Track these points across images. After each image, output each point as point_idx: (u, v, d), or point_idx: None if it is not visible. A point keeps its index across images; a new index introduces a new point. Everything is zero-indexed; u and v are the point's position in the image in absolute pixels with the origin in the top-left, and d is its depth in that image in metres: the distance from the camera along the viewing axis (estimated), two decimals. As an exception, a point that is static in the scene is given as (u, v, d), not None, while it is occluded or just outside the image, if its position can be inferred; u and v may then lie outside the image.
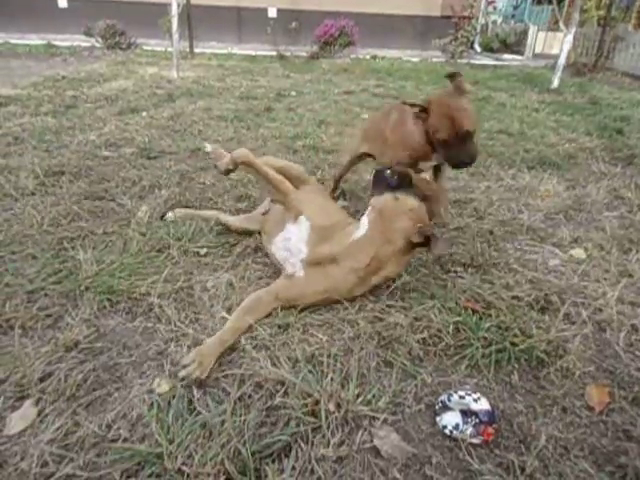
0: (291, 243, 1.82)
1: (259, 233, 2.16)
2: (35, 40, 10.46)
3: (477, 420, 1.25)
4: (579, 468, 1.18)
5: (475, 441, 1.23)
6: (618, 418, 1.33)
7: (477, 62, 10.54)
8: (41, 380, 1.37)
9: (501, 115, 5.04)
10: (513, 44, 13.44)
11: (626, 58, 9.13)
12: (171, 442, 1.16)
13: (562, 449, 1.23)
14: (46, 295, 1.75)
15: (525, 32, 13.26)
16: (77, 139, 3.60)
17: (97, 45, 9.86)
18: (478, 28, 12.52)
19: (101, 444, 1.19)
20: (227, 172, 1.97)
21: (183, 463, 1.11)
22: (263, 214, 2.17)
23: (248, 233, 2.21)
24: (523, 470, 1.16)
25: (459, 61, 10.23)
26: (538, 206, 2.73)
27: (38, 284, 1.79)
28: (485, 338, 1.56)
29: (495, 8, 14.32)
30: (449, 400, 1.31)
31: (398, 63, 9.60)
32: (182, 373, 1.37)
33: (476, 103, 5.60)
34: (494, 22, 14.72)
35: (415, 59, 10.57)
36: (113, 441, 1.19)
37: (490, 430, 1.24)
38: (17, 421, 1.24)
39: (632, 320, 1.73)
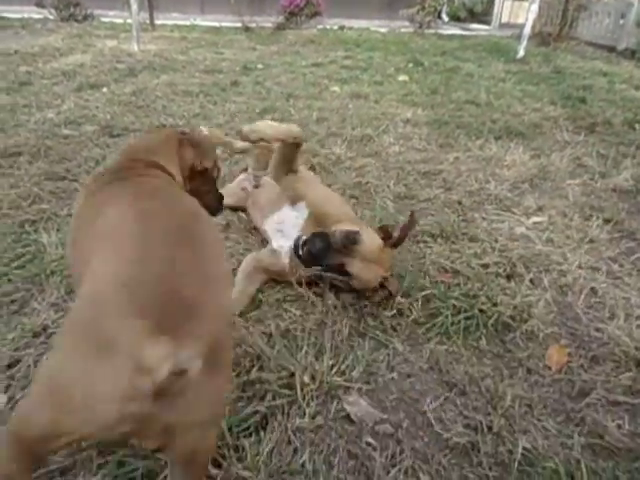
0: (284, 226, 1.79)
1: (234, 209, 2.14)
2: (-18, 12, 9.82)
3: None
4: (542, 425, 1.24)
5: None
6: (577, 377, 1.40)
7: (445, 32, 10.49)
8: (9, 367, 1.34)
9: (469, 86, 5.06)
10: (480, 13, 13.40)
11: (589, 27, 9.25)
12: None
13: (526, 407, 1.29)
14: (9, 280, 1.69)
15: (492, 1, 13.23)
16: (34, 117, 3.44)
17: (50, 17, 9.32)
18: (445, -3, 12.40)
19: (76, 427, 1.18)
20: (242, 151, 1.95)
21: (160, 441, 1.12)
22: (255, 187, 2.07)
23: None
24: (490, 429, 1.22)
25: (426, 31, 10.16)
26: (505, 176, 2.79)
27: (0, 269, 1.73)
28: (454, 306, 1.60)
29: (462, -24, 14.18)
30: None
31: (366, 34, 9.47)
32: None
33: (444, 74, 5.61)
34: (461, -9, 14.60)
35: (383, 29, 10.43)
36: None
37: None
38: (-14, 409, 1.21)
39: (591, 283, 1.81)
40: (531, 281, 1.82)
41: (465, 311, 1.59)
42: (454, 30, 11.24)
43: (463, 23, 12.97)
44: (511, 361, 1.46)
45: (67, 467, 1.09)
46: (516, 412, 1.27)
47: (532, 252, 2.00)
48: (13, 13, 9.78)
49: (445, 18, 13.08)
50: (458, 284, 1.73)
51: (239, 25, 9.37)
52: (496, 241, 2.06)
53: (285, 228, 1.78)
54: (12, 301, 1.60)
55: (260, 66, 5.74)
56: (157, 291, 0.73)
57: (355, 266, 1.51)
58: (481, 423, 1.23)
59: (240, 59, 6.07)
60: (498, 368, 1.43)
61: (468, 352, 1.48)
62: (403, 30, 10.36)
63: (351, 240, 1.49)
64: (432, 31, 10.28)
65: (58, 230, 1.99)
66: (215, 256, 0.92)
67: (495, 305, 1.61)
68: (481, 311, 1.59)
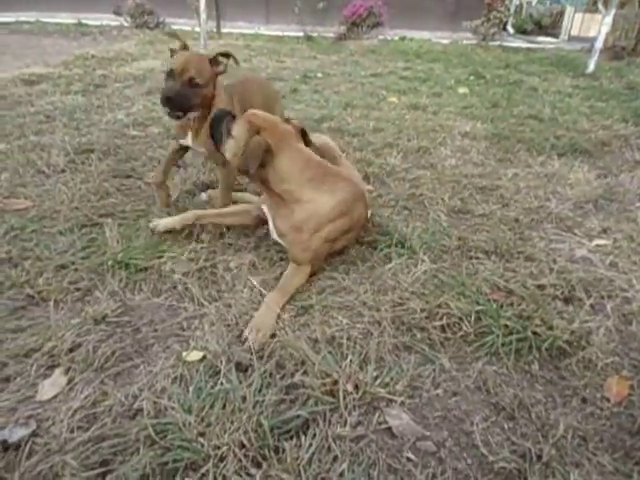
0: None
1: None
2: (66, 19, 10.58)
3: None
4: (597, 460, 1.17)
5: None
6: (639, 412, 1.31)
7: (509, 44, 10.22)
8: (71, 350, 1.43)
9: (532, 100, 4.90)
10: (548, 26, 12.95)
11: (668, 42, 8.70)
12: (190, 412, 1.20)
13: (580, 440, 1.22)
14: (76, 270, 1.80)
15: (561, 13, 12.75)
16: (106, 118, 3.66)
17: (126, 24, 9.92)
18: (512, 9, 12.09)
19: (127, 413, 1.24)
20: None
21: (201, 433, 1.15)
22: None
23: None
24: (540, 458, 1.16)
25: (490, 43, 9.94)
26: (567, 194, 2.67)
27: (68, 259, 1.85)
28: (506, 326, 1.55)
29: (530, -12, 13.78)
30: None
31: (427, 45, 9.39)
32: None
33: (506, 87, 5.46)
34: (529, 3, 14.18)
35: (445, 41, 10.31)
36: (139, 411, 1.24)
37: None
38: (48, 388, 1.29)
39: (660, 314, 1.69)
40: (591, 306, 1.72)
41: (517, 332, 1.53)
42: (519, 43, 10.92)
43: (529, 36, 12.57)
44: (565, 389, 1.38)
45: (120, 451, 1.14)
46: (568, 443, 1.21)
47: (594, 276, 1.89)
48: (93, 20, 10.48)
49: (510, 30, 12.75)
50: (511, 304, 1.67)
51: (301, 34, 9.57)
52: (554, 262, 1.97)
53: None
54: (77, 289, 1.71)
55: (320, 75, 5.82)
56: None
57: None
58: (530, 451, 1.18)
59: (300, 68, 6.19)
60: (551, 395, 1.36)
61: (519, 375, 1.43)
62: (466, 42, 10.19)
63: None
64: (496, 43, 10.05)
65: (120, 225, 2.10)
66: None
67: (550, 329, 1.54)
68: (535, 334, 1.52)
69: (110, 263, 1.83)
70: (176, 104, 1.96)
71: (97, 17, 11.08)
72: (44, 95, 4.25)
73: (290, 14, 11.60)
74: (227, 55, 2.12)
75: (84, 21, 10.18)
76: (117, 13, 10.26)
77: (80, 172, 2.67)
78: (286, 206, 1.78)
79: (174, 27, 10.12)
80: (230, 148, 1.76)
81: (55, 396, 1.28)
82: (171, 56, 2.08)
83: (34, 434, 1.17)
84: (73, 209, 2.24)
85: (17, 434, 1.15)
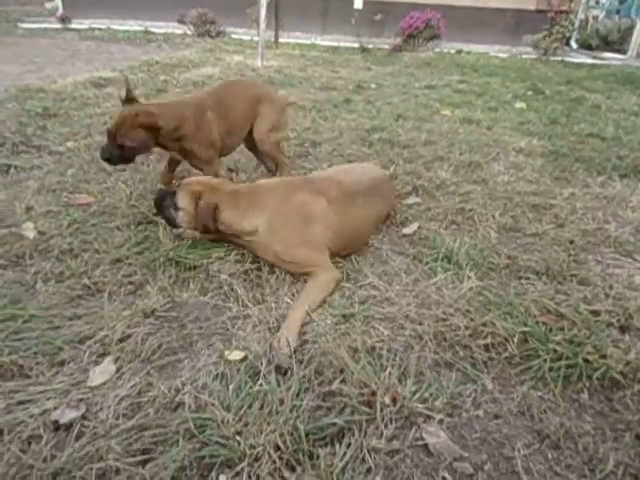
0: None
1: None
2: (134, 26, 11.17)
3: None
4: (649, 500, 1.10)
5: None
6: (700, 454, 1.22)
7: (572, 60, 9.85)
8: (121, 340, 1.49)
9: (594, 118, 4.69)
10: (615, 42, 12.38)
11: None
12: (228, 410, 1.22)
13: (632, 478, 1.15)
14: (130, 264, 1.89)
15: (630, 29, 12.16)
16: (165, 121, 3.82)
17: (188, 32, 10.34)
18: (576, 23, 11.67)
19: (169, 405, 1.28)
20: None
21: (238, 432, 1.17)
22: None
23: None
24: (585, 492, 1.11)
25: (551, 58, 9.62)
26: (628, 218, 2.54)
27: (123, 253, 1.94)
28: (555, 351, 1.48)
29: (598, 2, 13.26)
30: None
31: (485, 58, 9.21)
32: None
33: (567, 104, 5.26)
34: (595, 17, 13.63)
35: (503, 55, 10.08)
36: (180, 404, 1.28)
37: None
38: (98, 375, 1.36)
39: None
40: (650, 337, 1.62)
41: (567, 358, 1.46)
42: (583, 58, 10.51)
43: (594, 51, 12.07)
44: (617, 422, 1.31)
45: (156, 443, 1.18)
46: (618, 480, 1.14)
47: (654, 305, 1.78)
48: (158, 28, 11.00)
49: (574, 45, 12.30)
50: (561, 328, 1.60)
51: (357, 46, 9.63)
52: (611, 288, 1.88)
53: None
54: (130, 282, 1.79)
55: (373, 86, 5.84)
56: None
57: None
58: (574, 483, 1.12)
59: (354, 78, 6.23)
60: (600, 427, 1.29)
61: (566, 403, 1.36)
62: (525, 56, 9.92)
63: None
64: (558, 58, 9.71)
65: (174, 224, 2.18)
66: None
67: (604, 357, 1.46)
68: (586, 361, 1.45)
69: (162, 260, 1.90)
70: (114, 162, 2.16)
71: (162, 25, 11.64)
72: (110, 98, 4.49)
73: (347, 25, 11.73)
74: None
75: (150, 29, 10.71)
76: (181, 22, 10.73)
77: (139, 172, 2.80)
78: (249, 245, 1.94)
79: (234, 36, 10.46)
80: (182, 219, 1.94)
81: (104, 383, 1.34)
82: (122, 105, 2.15)
83: (83, 417, 1.23)
84: (131, 206, 2.35)
85: (68, 416, 1.22)
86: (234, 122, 2.48)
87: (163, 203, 1.97)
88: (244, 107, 2.51)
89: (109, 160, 2.13)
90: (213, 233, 1.92)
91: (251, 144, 2.74)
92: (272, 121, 2.59)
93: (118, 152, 2.09)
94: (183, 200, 1.89)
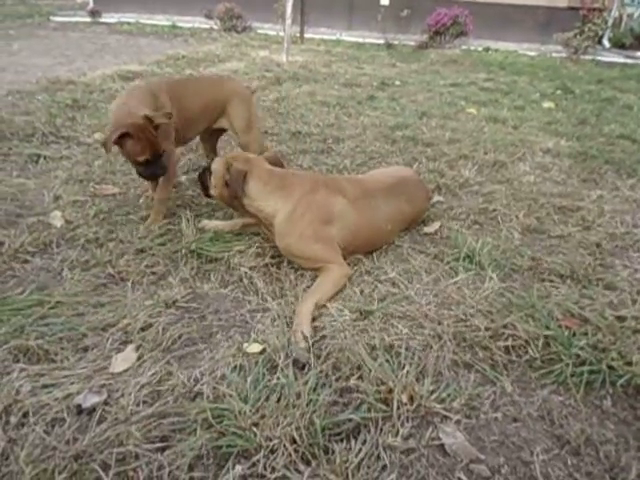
0: None
1: None
2: (162, 21, 11.31)
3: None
4: (672, 512, 1.07)
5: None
6: None
7: (604, 59, 9.58)
8: (142, 329, 1.52)
9: (625, 119, 4.56)
10: (650, 41, 11.98)
11: None
12: (246, 401, 1.24)
13: (654, 488, 1.12)
14: (153, 255, 1.92)
15: (667, 27, 11.76)
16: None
17: (215, 27, 10.41)
18: (610, 22, 11.33)
19: (188, 395, 1.30)
20: None
21: (255, 424, 1.18)
22: None
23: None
24: (605, 501, 1.08)
25: (582, 57, 9.38)
26: (658, 222, 2.46)
27: (147, 244, 1.98)
28: (578, 356, 1.45)
29: (634, -1, 12.84)
30: None
31: (513, 56, 9.03)
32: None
33: (597, 104, 5.13)
34: (629, 15, 13.22)
35: (532, 53, 9.87)
36: (199, 394, 1.30)
37: None
38: (120, 362, 1.39)
39: None
40: (678, 346, 1.57)
41: (590, 364, 1.43)
42: (615, 57, 10.21)
43: (627, 50, 11.71)
44: (641, 431, 1.28)
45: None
46: (640, 490, 1.11)
47: (683, 313, 1.73)
48: (185, 23, 11.10)
49: (606, 44, 11.95)
50: (585, 333, 1.57)
51: (382, 42, 9.56)
52: (638, 293, 1.83)
53: None
54: (153, 273, 1.82)
55: (398, 83, 5.79)
56: None
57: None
58: (594, 491, 1.10)
59: (379, 75, 6.19)
60: (623, 435, 1.26)
61: (588, 409, 1.33)
62: (555, 55, 9.69)
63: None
64: (589, 57, 9.46)
65: (196, 216, 2.21)
66: None
67: (629, 364, 1.43)
68: (610, 368, 1.42)
69: (184, 251, 1.93)
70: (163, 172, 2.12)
71: (190, 20, 11.74)
72: (137, 91, 4.56)
73: (372, 21, 11.63)
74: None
75: (178, 23, 10.82)
76: (208, 16, 10.81)
77: (163, 164, 2.84)
78: (267, 227, 1.95)
79: (260, 32, 10.50)
80: (212, 183, 1.99)
81: (126, 370, 1.37)
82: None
83: (105, 403, 1.26)
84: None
85: (90, 400, 1.25)
86: (191, 114, 2.38)
87: (202, 176, 2.05)
88: (201, 104, 2.41)
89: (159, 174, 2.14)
90: (238, 205, 1.95)
91: (208, 139, 2.78)
92: (246, 118, 2.56)
93: (160, 161, 2.07)
94: (216, 163, 1.97)
